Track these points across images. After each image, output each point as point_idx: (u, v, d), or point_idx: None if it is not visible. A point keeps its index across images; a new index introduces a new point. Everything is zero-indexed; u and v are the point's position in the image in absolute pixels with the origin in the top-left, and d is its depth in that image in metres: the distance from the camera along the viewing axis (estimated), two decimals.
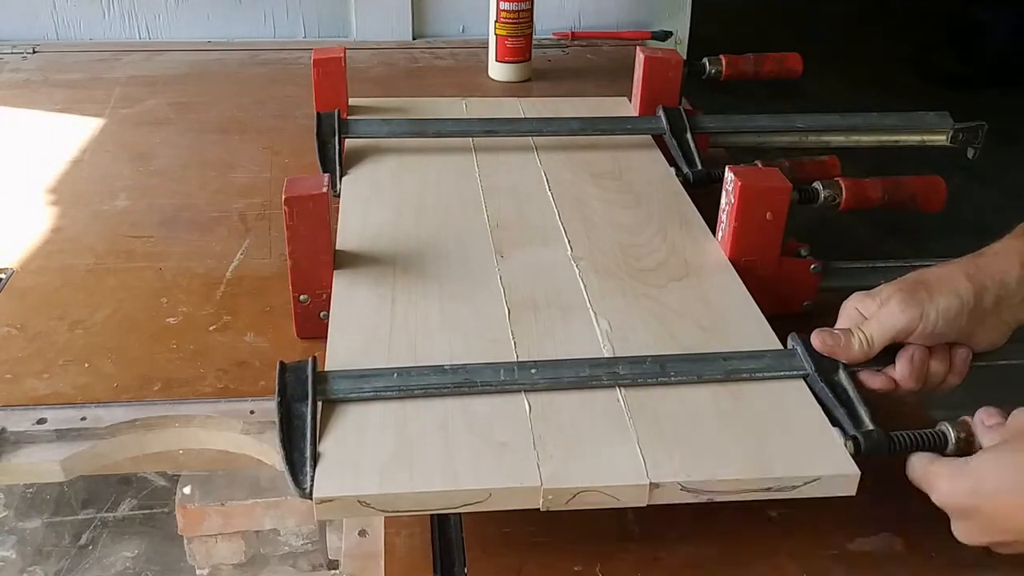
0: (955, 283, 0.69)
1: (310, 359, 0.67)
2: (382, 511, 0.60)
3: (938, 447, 0.65)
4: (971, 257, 0.71)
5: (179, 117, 1.33)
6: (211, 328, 0.87)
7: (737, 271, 0.83)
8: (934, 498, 0.61)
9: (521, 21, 1.44)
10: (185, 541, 0.83)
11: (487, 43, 1.49)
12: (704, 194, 0.97)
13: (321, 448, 0.62)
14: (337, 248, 0.84)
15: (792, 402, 0.68)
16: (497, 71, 1.49)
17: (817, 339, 0.71)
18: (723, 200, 0.85)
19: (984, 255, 0.71)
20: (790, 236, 0.85)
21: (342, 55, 1.11)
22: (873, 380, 0.71)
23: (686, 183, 1.00)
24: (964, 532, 0.60)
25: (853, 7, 4.60)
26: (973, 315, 0.69)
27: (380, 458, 0.61)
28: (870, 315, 0.71)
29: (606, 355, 0.72)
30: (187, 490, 0.81)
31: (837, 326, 0.72)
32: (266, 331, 0.86)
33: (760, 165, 0.96)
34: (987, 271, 0.69)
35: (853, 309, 0.73)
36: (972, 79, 3.77)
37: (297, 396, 0.65)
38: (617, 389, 0.68)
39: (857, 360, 0.70)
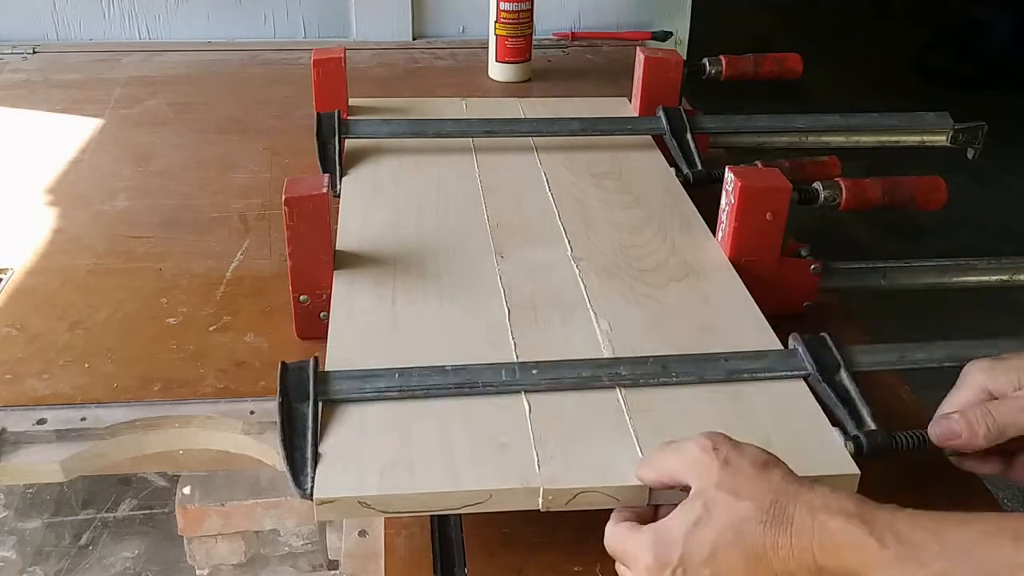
0: None
1: (312, 359, 0.67)
2: (383, 512, 0.60)
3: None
4: None
5: (179, 117, 1.33)
6: (211, 328, 0.87)
7: (737, 271, 0.83)
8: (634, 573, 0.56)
9: (521, 21, 1.44)
10: (185, 541, 0.83)
11: (487, 43, 1.49)
12: (704, 194, 0.97)
13: (322, 449, 0.62)
14: (337, 248, 0.84)
15: (793, 402, 0.68)
16: (497, 71, 1.49)
17: (936, 430, 0.63)
18: (723, 200, 0.85)
19: None
20: (790, 236, 0.85)
21: (342, 55, 1.11)
22: (983, 466, 0.65)
23: (686, 183, 1.00)
24: None
25: (853, 7, 4.60)
26: None
27: (381, 459, 0.61)
28: (1002, 395, 0.62)
29: (606, 355, 0.72)
30: (187, 490, 0.81)
31: (956, 399, 0.64)
32: (266, 331, 0.86)
33: (760, 165, 0.96)
34: None
35: (978, 383, 0.63)
36: (972, 79, 3.77)
37: (298, 396, 0.65)
38: (617, 390, 0.68)
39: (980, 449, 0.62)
